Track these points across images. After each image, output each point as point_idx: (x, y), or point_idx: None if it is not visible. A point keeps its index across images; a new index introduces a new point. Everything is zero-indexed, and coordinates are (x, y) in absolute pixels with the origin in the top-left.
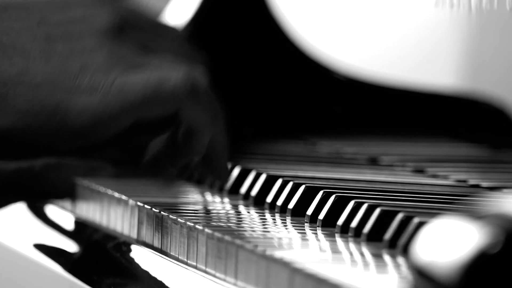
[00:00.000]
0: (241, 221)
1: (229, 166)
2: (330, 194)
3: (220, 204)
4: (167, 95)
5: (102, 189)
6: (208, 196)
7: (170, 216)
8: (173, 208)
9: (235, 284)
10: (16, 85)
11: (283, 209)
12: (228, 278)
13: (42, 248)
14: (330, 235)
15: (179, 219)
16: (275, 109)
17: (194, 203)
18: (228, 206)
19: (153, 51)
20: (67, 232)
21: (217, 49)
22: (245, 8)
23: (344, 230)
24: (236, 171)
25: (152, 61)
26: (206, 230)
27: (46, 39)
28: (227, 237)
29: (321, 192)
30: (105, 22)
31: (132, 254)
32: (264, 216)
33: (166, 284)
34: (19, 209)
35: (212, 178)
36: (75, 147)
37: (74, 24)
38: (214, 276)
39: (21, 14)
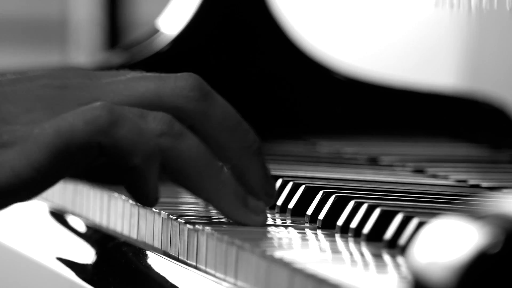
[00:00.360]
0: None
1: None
2: (330, 194)
3: None
4: (81, 132)
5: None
6: None
7: (179, 219)
8: (177, 209)
9: (235, 284)
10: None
11: (283, 209)
12: (228, 278)
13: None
14: (330, 235)
15: (179, 219)
16: (275, 109)
17: (194, 203)
18: None
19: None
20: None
21: (217, 50)
22: (245, 8)
23: (344, 230)
24: None
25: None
26: (207, 229)
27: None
28: (226, 237)
29: (321, 192)
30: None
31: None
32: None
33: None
34: (42, 216)
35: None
36: (7, 205)
37: (12, 90)
38: (214, 276)
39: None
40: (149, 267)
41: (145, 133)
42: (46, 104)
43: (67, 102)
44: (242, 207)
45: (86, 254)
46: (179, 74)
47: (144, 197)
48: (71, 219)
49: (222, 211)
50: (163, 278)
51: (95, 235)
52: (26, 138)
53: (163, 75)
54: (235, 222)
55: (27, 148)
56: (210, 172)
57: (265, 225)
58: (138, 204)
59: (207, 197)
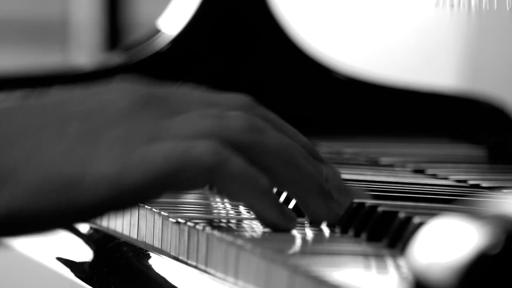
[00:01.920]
0: (241, 221)
1: None
2: None
3: (220, 204)
4: (192, 167)
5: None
6: (210, 196)
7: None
8: (177, 209)
9: (235, 284)
10: (26, 166)
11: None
12: (228, 278)
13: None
14: (330, 235)
15: (179, 220)
16: (275, 109)
17: (195, 203)
18: (228, 206)
19: (180, 113)
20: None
21: (217, 50)
22: (245, 8)
23: (345, 230)
24: None
25: (174, 128)
26: (207, 230)
27: (60, 122)
28: (227, 237)
29: None
30: (125, 103)
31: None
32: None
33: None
34: None
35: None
36: (96, 216)
37: (92, 110)
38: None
39: (38, 110)
40: (149, 267)
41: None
42: (131, 122)
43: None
44: (324, 202)
45: (86, 254)
46: (238, 114)
47: (277, 227)
48: None
49: (305, 202)
50: (163, 278)
51: (96, 235)
52: (126, 161)
53: (223, 113)
54: (313, 216)
55: (129, 172)
56: (298, 162)
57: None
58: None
59: (294, 189)
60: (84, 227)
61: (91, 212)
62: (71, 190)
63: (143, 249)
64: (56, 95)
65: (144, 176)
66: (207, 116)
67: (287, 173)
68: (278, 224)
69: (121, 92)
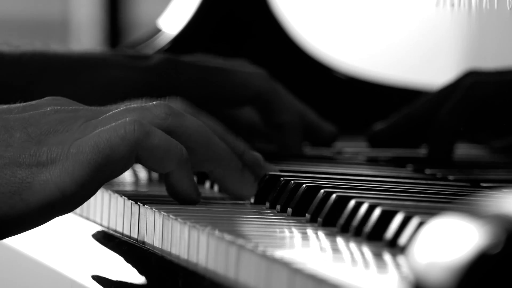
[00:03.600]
0: (242, 220)
1: None
2: (331, 193)
3: (220, 203)
4: (119, 146)
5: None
6: (208, 195)
7: (171, 215)
8: (177, 209)
9: (235, 283)
10: None
11: (283, 209)
12: (228, 278)
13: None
14: (330, 235)
15: (179, 219)
16: None
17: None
18: (229, 205)
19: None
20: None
21: (217, 49)
22: (245, 7)
23: (345, 229)
24: None
25: (100, 124)
26: (208, 229)
27: (4, 131)
28: (227, 237)
29: (321, 192)
30: (59, 116)
31: None
32: (265, 215)
33: None
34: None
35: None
36: (50, 218)
37: (30, 115)
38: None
39: None
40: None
41: (172, 141)
42: (67, 126)
43: (83, 123)
44: (241, 176)
45: (86, 254)
46: (155, 103)
47: (187, 197)
48: (70, 219)
49: (222, 179)
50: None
51: (97, 235)
52: (66, 157)
53: (143, 105)
54: (233, 190)
55: (69, 166)
56: (214, 140)
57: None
58: (182, 204)
59: (212, 166)
60: (84, 227)
61: (41, 214)
62: (18, 197)
63: (143, 249)
64: None
65: (82, 168)
66: (130, 109)
67: (205, 151)
68: (190, 194)
69: (52, 105)
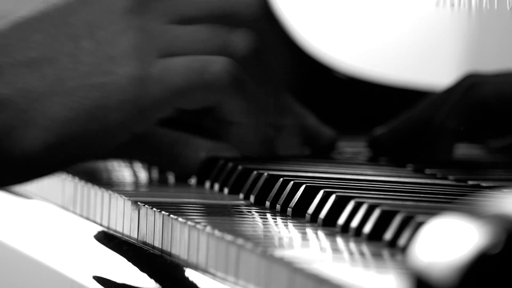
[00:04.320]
0: (242, 220)
1: (231, 166)
2: (331, 193)
3: (220, 203)
4: (209, 84)
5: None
6: (209, 195)
7: (179, 218)
8: (177, 208)
9: (235, 284)
10: (50, 96)
11: (283, 209)
12: (228, 278)
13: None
14: (330, 235)
15: (179, 219)
16: None
17: (195, 203)
18: (229, 205)
19: (189, 22)
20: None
21: None
22: None
23: (345, 229)
24: (236, 172)
25: (184, 40)
26: (208, 229)
27: (70, 41)
28: (227, 237)
29: (321, 192)
30: (122, 1)
31: None
32: (265, 215)
33: None
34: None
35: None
36: (122, 140)
37: (93, 15)
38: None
39: (39, 23)
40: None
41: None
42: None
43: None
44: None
45: (86, 254)
46: (243, 33)
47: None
48: (71, 218)
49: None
50: (164, 278)
51: (96, 235)
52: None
53: (230, 31)
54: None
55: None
56: None
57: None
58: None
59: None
60: (84, 227)
61: (118, 135)
62: (95, 119)
63: (144, 249)
64: (50, 5)
65: (162, 92)
66: (215, 31)
67: None
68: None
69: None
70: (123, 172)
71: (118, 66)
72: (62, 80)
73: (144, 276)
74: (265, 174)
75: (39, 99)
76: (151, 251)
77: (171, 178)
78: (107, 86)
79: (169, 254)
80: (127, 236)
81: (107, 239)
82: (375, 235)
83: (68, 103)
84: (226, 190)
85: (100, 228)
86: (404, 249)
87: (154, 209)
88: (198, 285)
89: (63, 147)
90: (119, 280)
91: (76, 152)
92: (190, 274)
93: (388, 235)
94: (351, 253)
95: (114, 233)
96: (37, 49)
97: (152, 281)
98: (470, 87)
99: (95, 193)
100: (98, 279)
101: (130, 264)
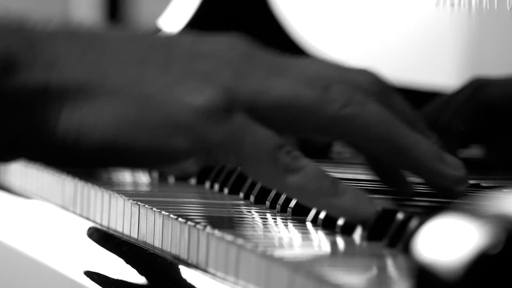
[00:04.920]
0: (242, 220)
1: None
2: None
3: (220, 203)
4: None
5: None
6: (208, 195)
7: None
8: (177, 209)
9: (235, 284)
10: (126, 94)
11: (283, 209)
12: (229, 278)
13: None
14: (331, 235)
15: (179, 219)
16: None
17: (195, 202)
18: (229, 205)
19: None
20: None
21: None
22: (245, 7)
23: (345, 229)
24: (236, 172)
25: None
26: (208, 229)
27: (165, 58)
28: (227, 237)
29: None
30: (235, 53)
31: None
32: (265, 215)
33: None
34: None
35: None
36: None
37: (200, 53)
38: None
39: (146, 43)
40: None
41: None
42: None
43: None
44: (442, 162)
45: (87, 254)
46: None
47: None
48: (71, 218)
49: (420, 166)
50: (164, 278)
51: (96, 235)
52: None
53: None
54: (434, 178)
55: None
56: (398, 132)
57: (463, 181)
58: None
59: (403, 158)
60: (84, 227)
61: (180, 154)
62: (167, 127)
63: (144, 249)
64: (165, 35)
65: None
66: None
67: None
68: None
69: (231, 43)
70: (123, 172)
71: (202, 93)
72: (143, 83)
73: (144, 276)
74: None
75: (115, 93)
76: (151, 251)
77: (171, 178)
78: (184, 107)
79: (169, 254)
80: (127, 236)
81: (107, 239)
82: (375, 235)
83: (140, 107)
84: (226, 190)
85: (100, 228)
86: (404, 249)
87: (154, 209)
88: (198, 285)
89: (117, 150)
90: (118, 280)
91: (132, 156)
92: (190, 274)
93: (388, 235)
94: (351, 253)
95: (114, 233)
96: (130, 50)
97: (152, 281)
98: (476, 89)
99: (95, 193)
100: (98, 279)
101: (130, 264)
